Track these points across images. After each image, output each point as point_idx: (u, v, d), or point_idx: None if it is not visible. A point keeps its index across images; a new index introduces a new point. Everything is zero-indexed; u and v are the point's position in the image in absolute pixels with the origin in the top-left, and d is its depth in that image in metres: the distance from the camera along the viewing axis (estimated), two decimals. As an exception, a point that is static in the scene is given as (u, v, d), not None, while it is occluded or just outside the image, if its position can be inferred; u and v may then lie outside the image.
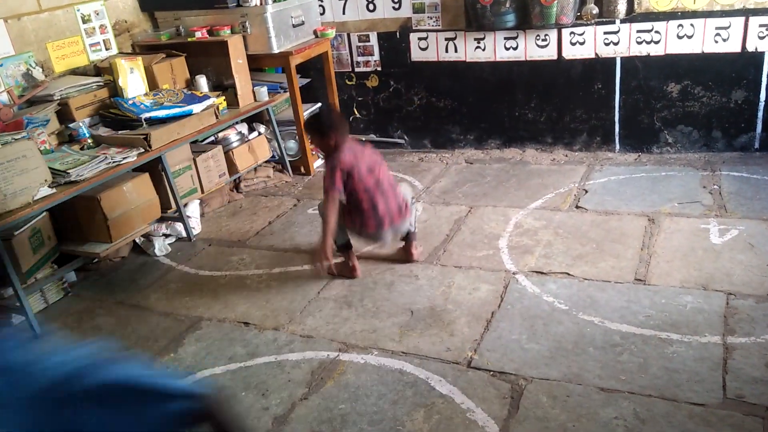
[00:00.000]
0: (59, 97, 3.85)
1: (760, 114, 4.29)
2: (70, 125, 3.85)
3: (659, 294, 2.94)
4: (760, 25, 4.06)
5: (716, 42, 4.20)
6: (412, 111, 5.26)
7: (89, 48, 4.35)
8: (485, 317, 2.92)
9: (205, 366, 2.85)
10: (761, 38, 4.09)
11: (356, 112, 5.44)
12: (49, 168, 3.35)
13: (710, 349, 2.55)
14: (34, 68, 3.96)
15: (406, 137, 5.38)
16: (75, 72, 4.25)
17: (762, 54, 4.13)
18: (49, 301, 3.58)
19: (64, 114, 3.87)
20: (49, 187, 3.30)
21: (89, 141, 3.80)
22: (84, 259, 3.75)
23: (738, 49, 4.17)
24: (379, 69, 5.21)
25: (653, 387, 2.39)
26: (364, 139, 5.47)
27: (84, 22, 4.32)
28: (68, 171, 3.40)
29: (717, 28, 4.17)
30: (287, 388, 2.64)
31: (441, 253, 3.57)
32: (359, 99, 5.39)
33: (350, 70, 5.30)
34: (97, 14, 4.40)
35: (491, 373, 2.57)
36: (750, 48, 4.14)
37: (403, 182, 4.44)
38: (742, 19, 4.09)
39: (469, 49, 4.83)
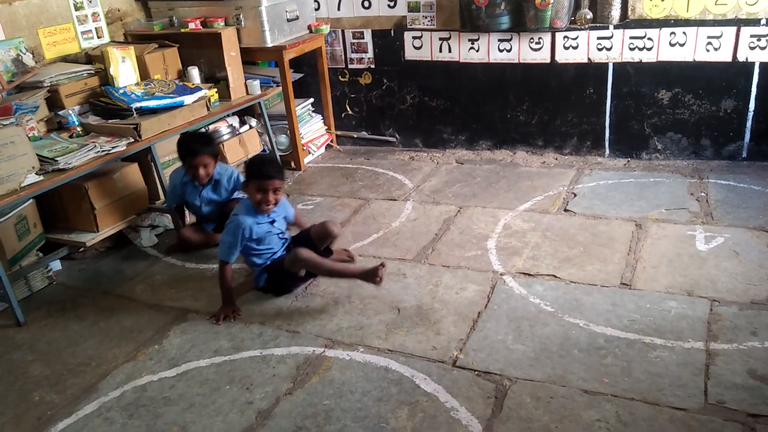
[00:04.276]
0: (49, 84, 3.81)
1: (749, 123, 4.34)
2: (60, 113, 3.82)
3: (644, 299, 2.97)
4: (751, 36, 4.10)
5: (707, 51, 4.24)
6: (404, 109, 5.26)
7: (81, 35, 4.32)
8: (472, 317, 2.93)
9: (189, 358, 2.84)
10: (752, 48, 4.13)
11: (348, 109, 5.44)
12: (37, 155, 3.32)
13: (693, 354, 2.58)
14: (25, 54, 3.92)
15: (397, 135, 5.38)
16: (66, 59, 4.21)
17: (752, 64, 4.17)
18: (33, 289, 3.55)
19: (54, 101, 3.84)
20: (36, 174, 3.27)
21: (78, 129, 3.76)
22: (70, 248, 3.72)
23: (729, 58, 4.21)
24: (372, 66, 5.21)
25: (636, 390, 2.41)
26: (355, 135, 5.47)
27: (76, 9, 4.28)
28: (56, 158, 3.37)
29: (709, 37, 4.20)
30: (272, 382, 2.63)
31: (429, 252, 3.58)
32: (352, 96, 5.38)
33: (344, 66, 5.30)
34: (90, 2, 4.36)
35: (476, 372, 2.58)
36: (741, 58, 4.18)
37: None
38: (734, 29, 4.12)
39: (462, 50, 4.84)
